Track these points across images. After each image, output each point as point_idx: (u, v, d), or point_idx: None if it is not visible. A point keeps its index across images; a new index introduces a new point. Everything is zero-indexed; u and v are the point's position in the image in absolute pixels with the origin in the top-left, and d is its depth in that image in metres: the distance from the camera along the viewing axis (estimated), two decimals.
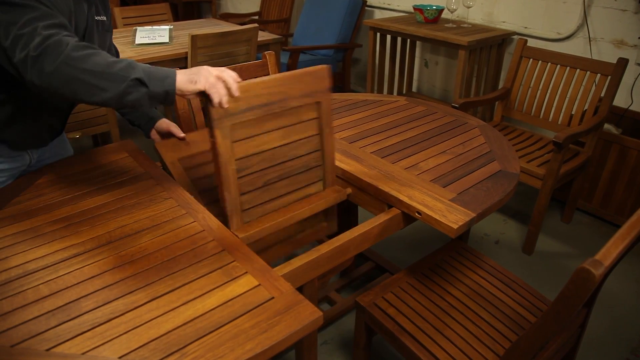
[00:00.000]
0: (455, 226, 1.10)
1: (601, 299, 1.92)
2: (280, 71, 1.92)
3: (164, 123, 1.45)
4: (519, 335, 1.17)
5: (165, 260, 0.97)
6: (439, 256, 1.47)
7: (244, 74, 1.86)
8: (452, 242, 1.52)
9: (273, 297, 0.88)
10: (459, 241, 1.53)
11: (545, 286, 1.97)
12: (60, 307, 0.86)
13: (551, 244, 2.25)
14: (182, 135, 1.43)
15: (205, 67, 1.01)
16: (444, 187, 1.27)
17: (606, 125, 2.40)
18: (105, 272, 0.94)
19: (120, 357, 0.76)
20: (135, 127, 1.48)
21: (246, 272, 0.94)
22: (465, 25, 2.98)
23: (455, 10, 2.95)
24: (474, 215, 1.15)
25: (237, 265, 0.96)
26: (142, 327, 0.82)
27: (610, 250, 0.81)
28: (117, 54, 1.49)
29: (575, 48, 2.64)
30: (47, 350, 0.77)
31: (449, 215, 1.15)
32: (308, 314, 0.84)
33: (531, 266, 2.10)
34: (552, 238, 2.29)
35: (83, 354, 0.77)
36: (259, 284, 0.91)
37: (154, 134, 1.46)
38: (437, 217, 1.14)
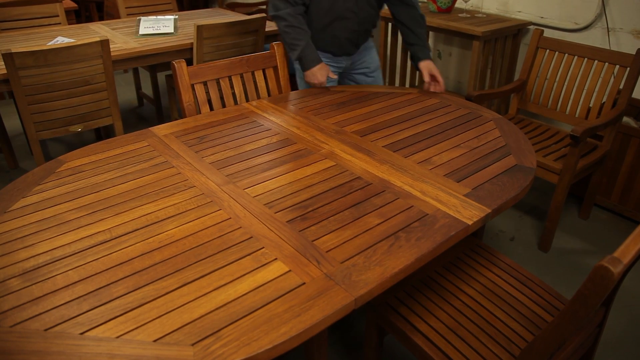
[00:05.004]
0: (470, 222, 1.08)
1: (620, 297, 1.88)
2: (287, 62, 1.89)
3: (426, 67, 1.90)
4: (535, 335, 1.14)
5: (193, 247, 0.99)
6: (452, 253, 1.44)
7: (251, 65, 1.83)
8: (466, 239, 1.49)
9: (304, 283, 0.89)
10: (473, 238, 1.50)
11: (562, 284, 1.94)
12: (91, 292, 0.87)
13: (568, 241, 2.20)
14: (441, 80, 1.86)
15: (314, 71, 1.85)
16: (458, 182, 1.24)
17: (625, 119, 2.34)
18: (134, 258, 0.96)
19: (155, 341, 0.77)
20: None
21: (276, 259, 0.95)
22: (480, 15, 2.92)
23: None
24: (489, 211, 1.12)
25: (267, 252, 0.97)
26: (175, 311, 0.83)
27: (630, 248, 0.79)
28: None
29: (593, 39, 2.57)
30: (81, 334, 0.79)
31: (463, 211, 1.12)
32: (340, 298, 0.85)
33: (548, 264, 2.06)
34: (569, 235, 2.25)
35: (117, 337, 0.78)
36: (290, 270, 0.92)
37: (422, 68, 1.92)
38: (451, 212, 1.11)
